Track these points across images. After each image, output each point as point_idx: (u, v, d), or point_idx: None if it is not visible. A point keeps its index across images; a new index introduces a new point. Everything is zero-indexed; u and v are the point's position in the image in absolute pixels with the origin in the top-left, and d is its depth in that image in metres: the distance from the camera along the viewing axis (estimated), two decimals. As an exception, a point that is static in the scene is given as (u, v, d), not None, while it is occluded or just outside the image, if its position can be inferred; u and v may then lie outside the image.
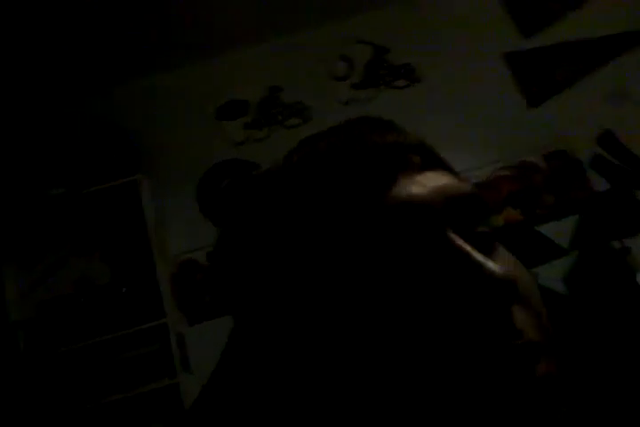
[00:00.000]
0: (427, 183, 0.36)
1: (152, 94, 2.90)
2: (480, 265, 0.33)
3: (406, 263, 0.34)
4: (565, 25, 2.79)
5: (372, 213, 0.34)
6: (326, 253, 0.35)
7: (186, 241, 2.64)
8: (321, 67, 2.91)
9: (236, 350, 0.42)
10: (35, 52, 2.58)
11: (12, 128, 2.73)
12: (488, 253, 0.36)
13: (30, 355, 2.12)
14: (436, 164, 0.40)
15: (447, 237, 0.34)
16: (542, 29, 2.80)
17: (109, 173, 2.58)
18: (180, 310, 2.47)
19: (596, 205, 2.38)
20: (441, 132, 2.70)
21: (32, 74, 2.69)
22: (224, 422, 0.41)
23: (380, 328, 0.33)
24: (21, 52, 2.57)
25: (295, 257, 0.36)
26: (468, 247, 0.34)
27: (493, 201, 2.65)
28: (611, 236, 2.34)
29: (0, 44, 2.47)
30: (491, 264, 0.33)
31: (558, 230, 2.46)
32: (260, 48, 2.92)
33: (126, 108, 2.87)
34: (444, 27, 2.84)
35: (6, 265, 2.34)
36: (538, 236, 2.47)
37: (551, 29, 2.80)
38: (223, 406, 0.42)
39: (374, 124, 0.41)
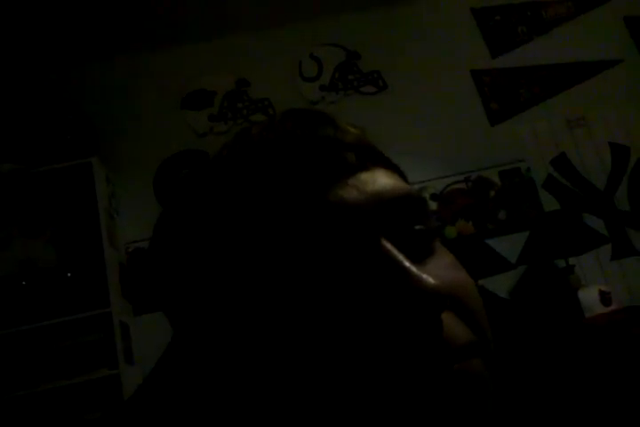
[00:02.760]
0: (360, 186, 0.34)
1: (117, 77, 2.81)
2: (409, 275, 0.31)
3: (334, 271, 0.33)
4: (531, 49, 2.90)
5: (299, 217, 0.33)
6: (250, 256, 0.33)
7: (137, 230, 2.57)
8: (291, 65, 2.91)
9: (178, 344, 0.42)
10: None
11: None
12: (425, 252, 0.36)
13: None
14: (376, 161, 0.38)
15: (378, 244, 0.33)
16: (510, 51, 2.90)
17: (63, 153, 2.48)
18: (125, 299, 2.41)
19: (545, 224, 2.47)
20: (403, 141, 2.75)
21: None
22: (160, 416, 0.41)
23: (305, 336, 0.32)
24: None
25: (218, 259, 0.35)
26: (398, 255, 0.33)
27: (448, 213, 2.71)
28: (556, 254, 2.43)
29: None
30: (418, 274, 0.32)
31: (507, 245, 2.54)
32: (233, 40, 2.89)
33: (88, 89, 2.78)
34: (418, 38, 2.89)
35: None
36: (487, 249, 2.54)
37: (518, 51, 2.90)
38: (161, 401, 0.41)
39: (311, 117, 0.38)
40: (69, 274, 2.31)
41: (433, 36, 2.90)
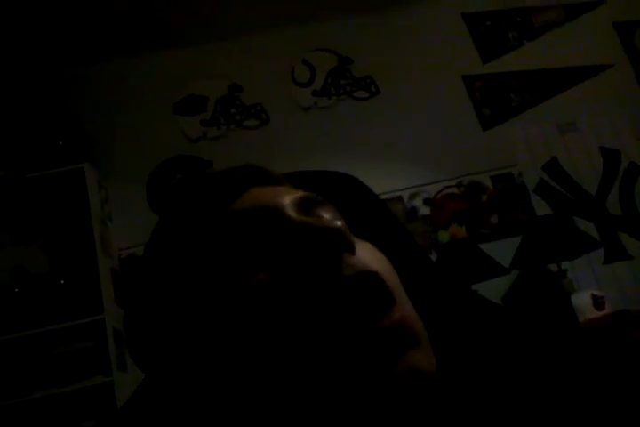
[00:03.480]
0: (270, 191, 0.41)
1: (109, 82, 2.81)
2: (308, 223, 0.36)
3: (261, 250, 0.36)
4: (522, 54, 2.92)
5: (225, 214, 0.39)
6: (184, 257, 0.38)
7: (131, 236, 2.56)
8: (283, 71, 2.91)
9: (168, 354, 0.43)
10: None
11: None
12: None
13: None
14: (278, 183, 0.45)
15: (285, 213, 0.37)
16: (501, 56, 2.92)
17: (55, 159, 2.47)
18: (119, 305, 2.39)
19: (537, 228, 2.48)
20: (396, 146, 2.76)
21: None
22: (153, 422, 0.41)
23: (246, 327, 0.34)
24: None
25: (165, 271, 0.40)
26: (301, 216, 0.37)
27: (441, 217, 2.72)
28: (549, 258, 2.44)
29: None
30: (316, 219, 0.36)
31: (500, 250, 2.55)
32: (226, 45, 2.89)
33: (80, 94, 2.77)
34: (409, 44, 2.91)
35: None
36: (480, 254, 2.55)
37: (509, 57, 2.92)
38: (153, 409, 0.42)
39: (229, 171, 0.46)
40: (62, 281, 2.30)
41: (425, 41, 2.92)
